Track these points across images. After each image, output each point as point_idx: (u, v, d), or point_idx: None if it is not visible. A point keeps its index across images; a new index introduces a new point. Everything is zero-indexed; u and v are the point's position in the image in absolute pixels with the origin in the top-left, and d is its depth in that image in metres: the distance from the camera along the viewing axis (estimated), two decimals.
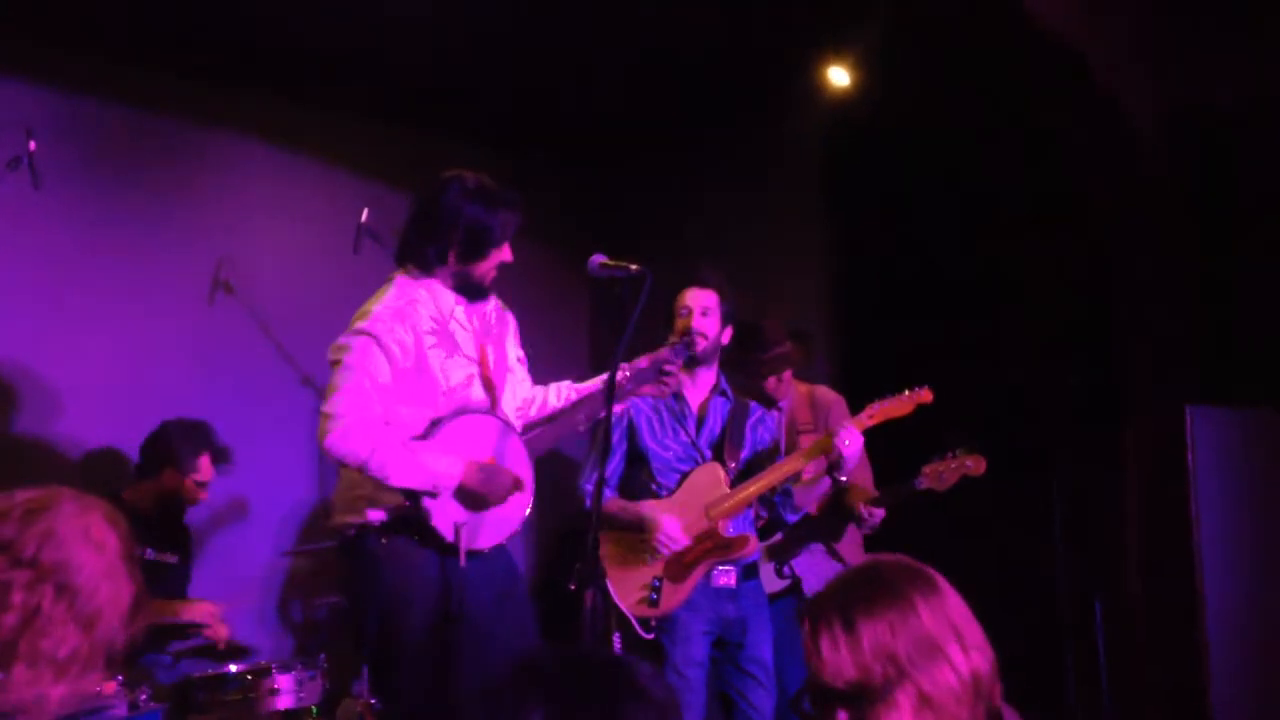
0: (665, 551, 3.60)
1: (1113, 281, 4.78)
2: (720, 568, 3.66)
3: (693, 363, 3.66)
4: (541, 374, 3.54)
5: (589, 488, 3.61)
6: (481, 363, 3.25)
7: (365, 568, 3.16)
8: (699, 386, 3.81)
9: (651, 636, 3.59)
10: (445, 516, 3.08)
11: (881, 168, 5.18)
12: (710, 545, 3.62)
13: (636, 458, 3.75)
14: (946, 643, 1.55)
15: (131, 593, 1.59)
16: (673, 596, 3.60)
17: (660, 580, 3.62)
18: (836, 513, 4.07)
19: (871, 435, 3.70)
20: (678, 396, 3.74)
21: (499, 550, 3.23)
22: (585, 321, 6.28)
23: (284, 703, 3.74)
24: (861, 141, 5.24)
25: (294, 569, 5.03)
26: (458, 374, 3.17)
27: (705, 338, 3.69)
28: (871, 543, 4.15)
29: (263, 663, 3.91)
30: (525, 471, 3.24)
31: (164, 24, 4.60)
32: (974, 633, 1.59)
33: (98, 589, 1.55)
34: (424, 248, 3.20)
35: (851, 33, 4.97)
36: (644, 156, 6.00)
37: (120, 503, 4.14)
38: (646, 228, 5.78)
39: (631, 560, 3.64)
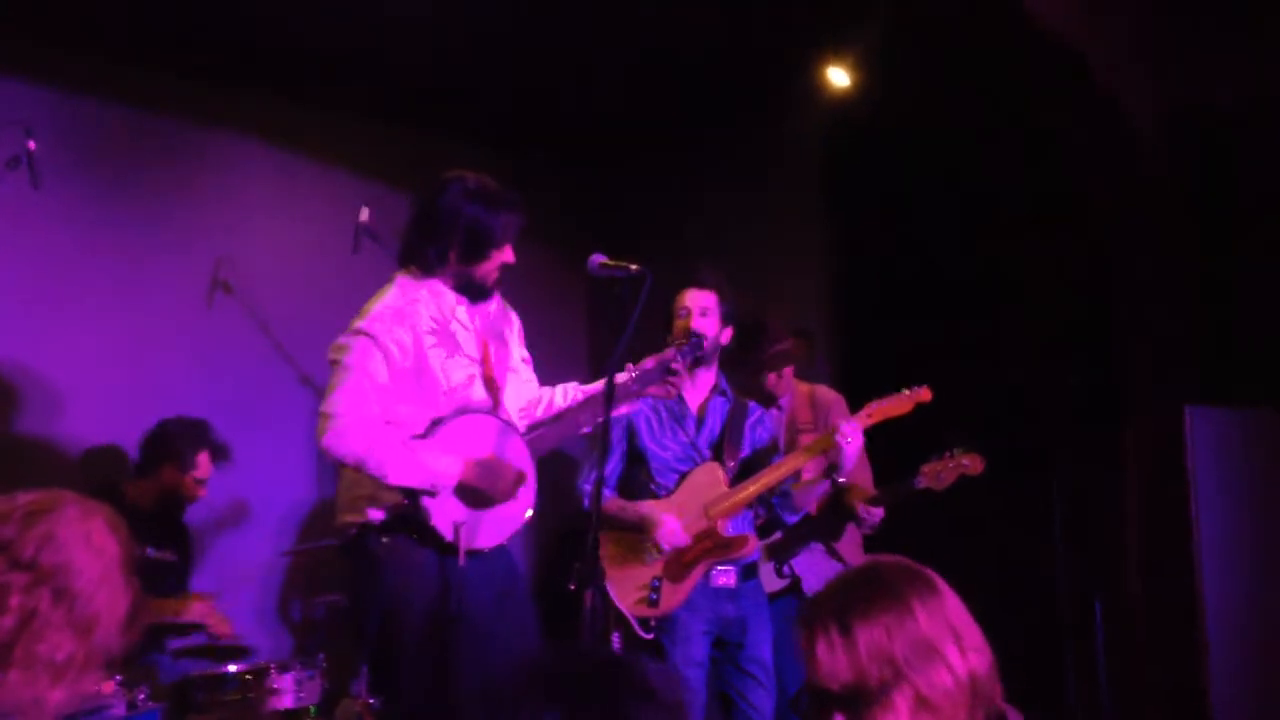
0: (666, 547, 3.60)
1: (1113, 281, 4.78)
2: (719, 568, 3.66)
3: (694, 363, 3.66)
4: (540, 374, 3.53)
5: (588, 488, 3.62)
6: (483, 362, 3.25)
7: (366, 567, 3.17)
8: (698, 387, 3.81)
9: (651, 636, 3.59)
10: (445, 515, 3.08)
11: (881, 168, 5.18)
12: (709, 545, 3.62)
13: (635, 458, 3.75)
14: (944, 645, 1.54)
15: (129, 600, 1.59)
16: (672, 596, 3.60)
17: (660, 580, 3.61)
18: (836, 512, 4.07)
19: (871, 435, 3.70)
20: (677, 397, 3.73)
21: (500, 550, 3.23)
22: (584, 321, 6.29)
23: (283, 702, 3.75)
24: (861, 141, 5.24)
25: (293, 568, 5.03)
26: (458, 374, 3.17)
27: (704, 338, 3.69)
28: (871, 542, 4.15)
29: (261, 662, 3.91)
30: (528, 471, 3.24)
31: (164, 24, 4.60)
32: (972, 634, 1.58)
33: (96, 594, 1.54)
34: (424, 248, 3.20)
35: (851, 33, 4.97)
36: (644, 156, 6.00)
37: (121, 497, 4.16)
38: (646, 228, 5.78)
39: (631, 560, 3.64)
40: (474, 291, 3.24)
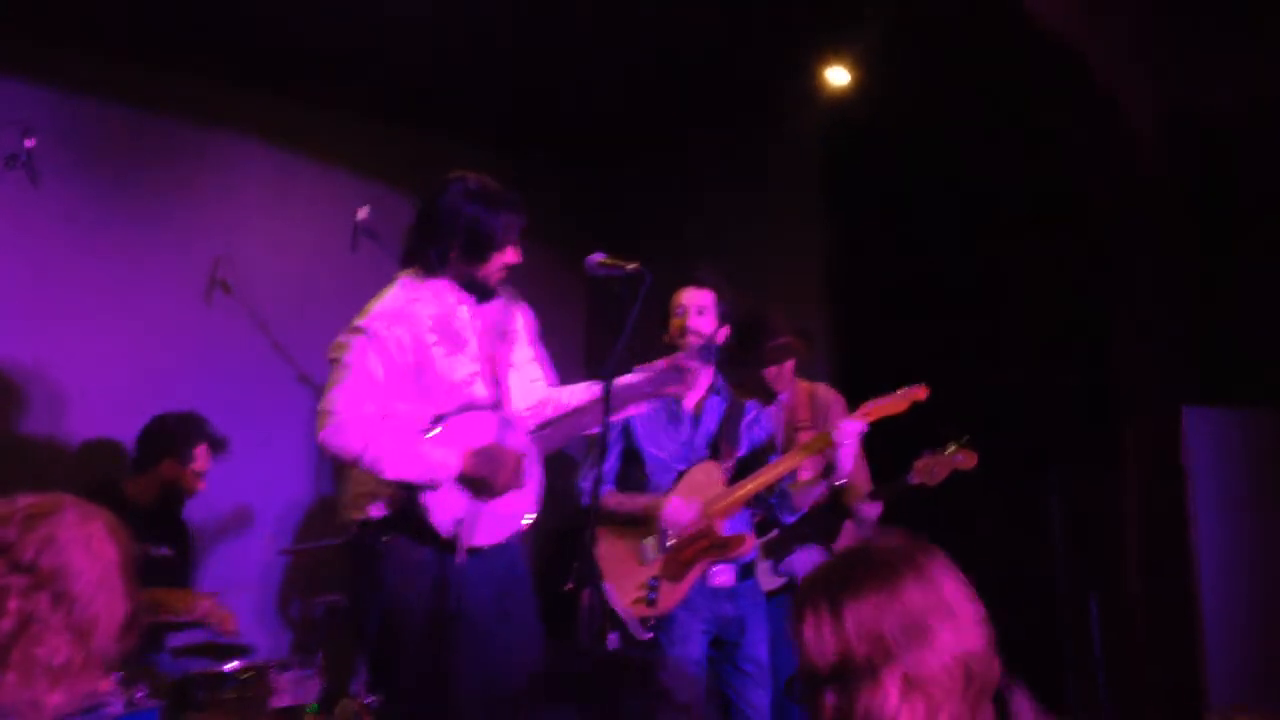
0: (679, 521, 3.58)
1: (1112, 281, 4.78)
2: (717, 567, 3.66)
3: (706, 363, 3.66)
4: None
5: (587, 486, 3.62)
6: (488, 361, 3.26)
7: (367, 565, 3.18)
8: (695, 386, 3.81)
9: (649, 636, 3.59)
10: (444, 511, 3.08)
11: (881, 168, 5.18)
12: (707, 544, 3.62)
13: (632, 457, 3.75)
14: (936, 623, 1.51)
15: (128, 605, 1.59)
16: (670, 596, 3.60)
17: (658, 580, 3.62)
18: (833, 511, 4.07)
19: (868, 434, 3.69)
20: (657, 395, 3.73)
21: (502, 549, 3.21)
22: (583, 321, 6.29)
23: (281, 701, 3.75)
24: (861, 141, 5.23)
25: (292, 567, 5.04)
26: (461, 371, 3.18)
27: (701, 337, 3.69)
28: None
29: (260, 661, 3.91)
30: (532, 470, 3.24)
31: (164, 24, 4.61)
32: (968, 612, 1.55)
33: (94, 598, 1.55)
34: (426, 249, 3.22)
35: (851, 33, 4.97)
36: (644, 156, 6.00)
37: (120, 495, 4.16)
38: (646, 228, 5.78)
39: (629, 560, 3.64)
40: (477, 291, 3.25)
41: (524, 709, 3.15)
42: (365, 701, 3.96)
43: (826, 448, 3.63)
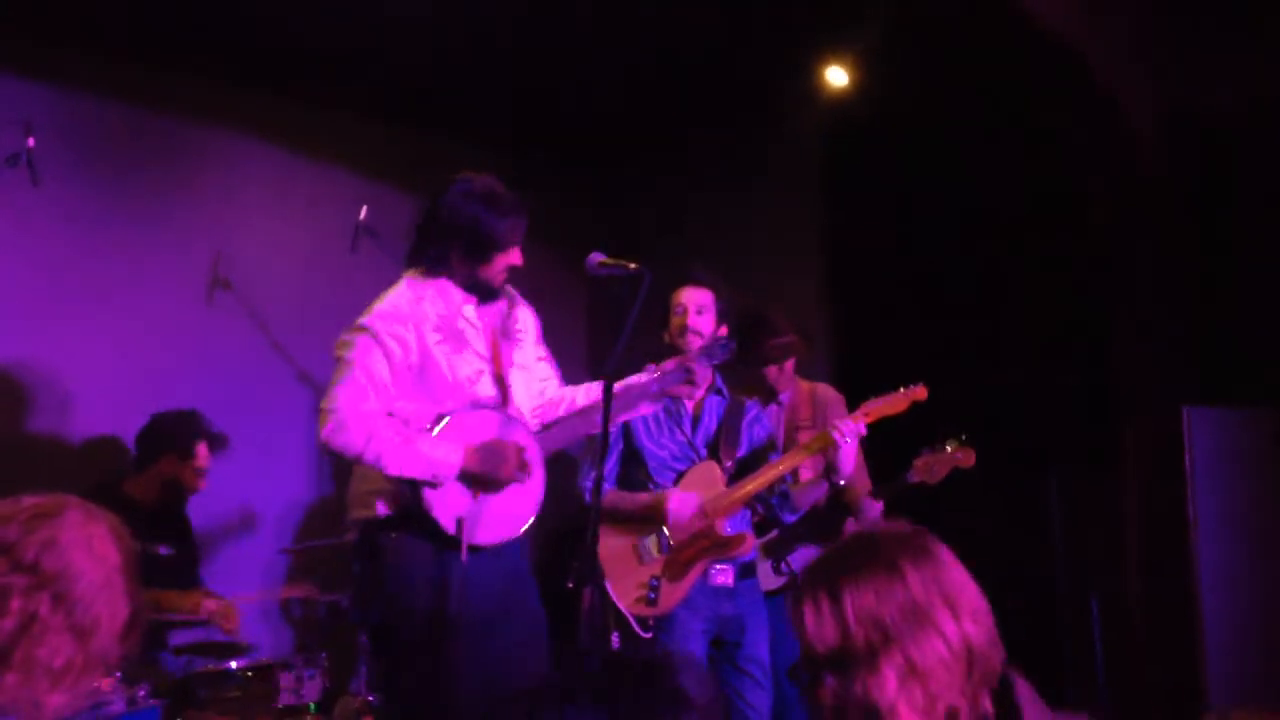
0: (683, 516, 3.58)
1: (1112, 281, 4.78)
2: (717, 566, 3.66)
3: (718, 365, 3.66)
4: None
5: (588, 485, 3.62)
6: (493, 360, 3.26)
7: (371, 563, 3.19)
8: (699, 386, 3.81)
9: (650, 635, 3.59)
10: (447, 509, 3.08)
11: (881, 168, 5.18)
12: (707, 544, 3.63)
13: (632, 457, 3.75)
14: (936, 610, 1.51)
15: (130, 607, 1.59)
16: (671, 595, 3.60)
17: (658, 579, 3.62)
18: (834, 510, 4.07)
19: (868, 434, 3.70)
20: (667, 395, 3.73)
21: (506, 548, 3.21)
22: (584, 321, 6.29)
23: (283, 700, 3.75)
24: (861, 141, 5.24)
25: (293, 566, 5.04)
26: (465, 369, 3.19)
27: (700, 336, 3.70)
28: None
29: (262, 660, 3.92)
30: (536, 469, 3.24)
31: (164, 23, 4.61)
32: (969, 600, 1.55)
33: (95, 600, 1.55)
34: (428, 249, 3.23)
35: (851, 33, 4.97)
36: (644, 156, 6.00)
37: (121, 494, 4.17)
38: (646, 228, 5.79)
39: (629, 559, 3.64)
40: (481, 291, 3.26)
41: (526, 710, 3.14)
42: (366, 700, 3.97)
43: (826, 448, 3.63)
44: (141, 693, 3.30)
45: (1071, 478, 4.60)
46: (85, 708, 2.98)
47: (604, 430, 2.97)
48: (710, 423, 3.81)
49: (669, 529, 3.62)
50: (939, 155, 4.95)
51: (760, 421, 3.89)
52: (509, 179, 3.29)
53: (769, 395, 4.23)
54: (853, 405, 3.86)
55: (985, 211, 4.92)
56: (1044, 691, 1.65)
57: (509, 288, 3.38)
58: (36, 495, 1.60)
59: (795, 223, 5.66)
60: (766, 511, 3.85)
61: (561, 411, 3.44)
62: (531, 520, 3.25)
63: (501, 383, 3.27)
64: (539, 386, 3.44)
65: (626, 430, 3.75)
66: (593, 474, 3.03)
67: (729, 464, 3.73)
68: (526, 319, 3.44)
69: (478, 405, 3.19)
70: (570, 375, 3.59)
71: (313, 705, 3.81)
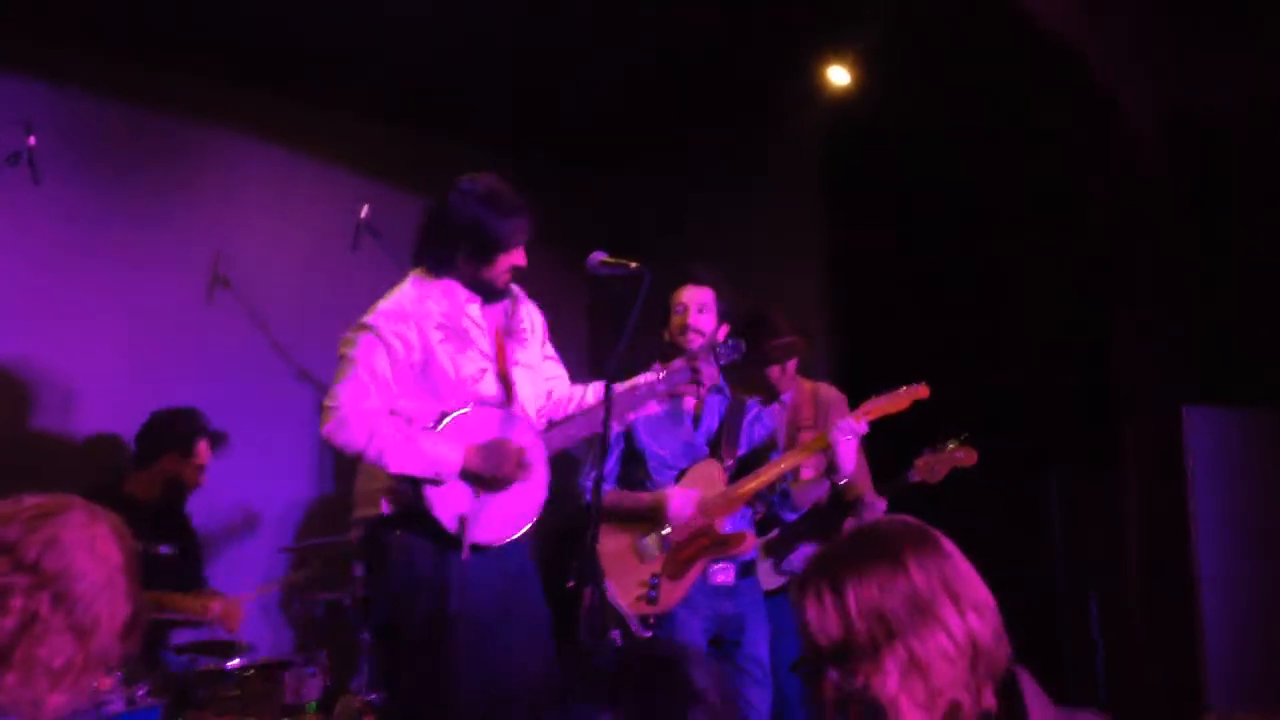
0: (684, 516, 3.58)
1: (1112, 281, 4.78)
2: (717, 565, 3.66)
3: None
4: None
5: (589, 485, 3.62)
6: (497, 359, 3.27)
7: (377, 560, 3.22)
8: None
9: (650, 634, 3.59)
10: (448, 507, 3.09)
11: (881, 168, 5.18)
12: (707, 542, 3.63)
13: (633, 456, 3.75)
14: (940, 604, 1.50)
15: (129, 609, 1.59)
16: (671, 594, 3.60)
17: (658, 578, 3.62)
18: (834, 509, 4.07)
19: (869, 434, 3.69)
20: (674, 394, 3.74)
21: (509, 548, 3.22)
22: (584, 321, 6.29)
23: (283, 699, 3.75)
24: (861, 141, 5.24)
25: (293, 565, 5.04)
26: (468, 368, 3.20)
27: (701, 334, 3.70)
28: None
29: (263, 659, 3.91)
30: (539, 468, 3.24)
31: (164, 23, 4.61)
32: (973, 595, 1.54)
33: (96, 600, 1.55)
34: (432, 250, 3.25)
35: (851, 33, 4.97)
36: (644, 156, 6.00)
37: (122, 493, 4.17)
38: (646, 228, 5.78)
39: (629, 558, 3.64)
40: (485, 291, 3.27)
41: (528, 710, 3.15)
42: (366, 699, 3.97)
43: (826, 447, 3.63)
44: (141, 692, 3.30)
45: (1071, 478, 4.61)
46: (85, 707, 2.98)
47: (604, 430, 2.97)
48: (711, 422, 3.81)
49: (670, 528, 3.62)
50: (939, 155, 4.95)
51: (761, 420, 3.88)
52: (509, 179, 3.29)
53: (771, 395, 4.23)
54: (853, 405, 3.86)
55: (985, 211, 4.93)
56: (1043, 690, 1.64)
57: (514, 287, 3.39)
58: (39, 495, 1.60)
59: (795, 223, 5.67)
60: (767, 510, 3.85)
61: (571, 409, 3.45)
62: (534, 519, 3.25)
63: (506, 381, 3.27)
64: (546, 386, 3.45)
65: (628, 429, 3.75)
66: (593, 473, 3.04)
67: (729, 463, 3.73)
68: (533, 318, 3.45)
69: (481, 404, 3.19)
70: (572, 375, 3.59)
71: (313, 704, 3.81)
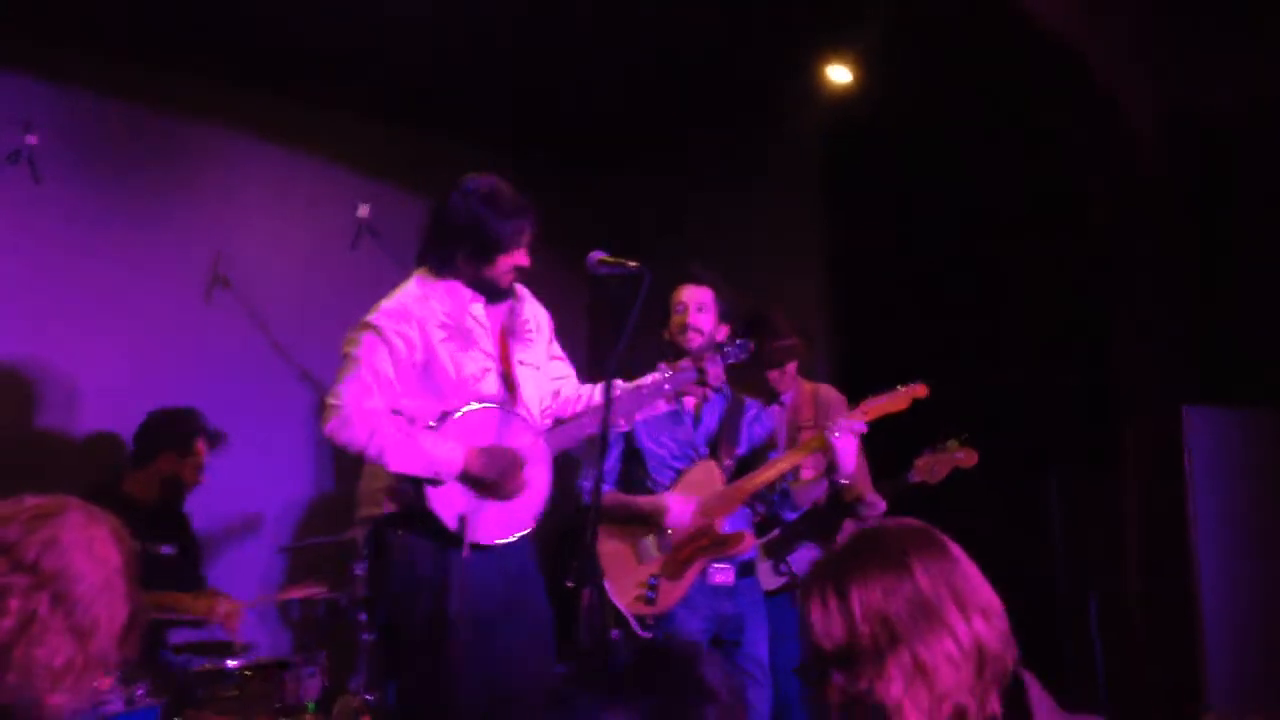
0: (681, 524, 3.58)
1: (1112, 281, 4.78)
2: (717, 565, 3.65)
3: (682, 356, 3.66)
4: None
5: (587, 485, 3.62)
6: (500, 359, 3.27)
7: (379, 560, 3.22)
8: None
9: (649, 635, 3.59)
10: (448, 506, 3.09)
11: (881, 168, 5.18)
12: (706, 542, 3.62)
13: (633, 455, 3.75)
14: (945, 608, 1.49)
15: (128, 610, 1.59)
16: (670, 594, 3.60)
17: (657, 578, 3.61)
18: (834, 509, 4.07)
19: (869, 433, 3.69)
20: (681, 394, 3.73)
21: (511, 547, 3.21)
22: (584, 321, 6.29)
23: (282, 699, 3.75)
24: (861, 141, 5.24)
25: (292, 565, 5.04)
26: (471, 367, 3.20)
27: (700, 334, 3.70)
28: None
29: (261, 659, 3.91)
30: (541, 467, 3.24)
31: (164, 22, 4.62)
32: (979, 599, 1.52)
33: (95, 601, 1.55)
34: (435, 249, 3.26)
35: (851, 33, 4.97)
36: (644, 156, 6.00)
37: (120, 493, 4.16)
38: (646, 228, 5.78)
39: (628, 558, 3.64)
40: (488, 291, 3.27)
41: (528, 710, 3.15)
42: (365, 699, 3.96)
43: (824, 446, 3.63)
44: (140, 692, 3.30)
45: (1071, 478, 4.61)
46: (85, 708, 2.98)
47: (603, 430, 2.97)
48: (710, 421, 3.80)
49: (670, 532, 3.62)
50: (939, 155, 4.95)
51: (760, 420, 3.88)
52: (509, 179, 3.29)
53: (770, 397, 4.23)
54: (853, 405, 3.86)
55: (985, 211, 4.93)
56: (1049, 695, 1.63)
57: (520, 287, 3.39)
58: (38, 496, 1.60)
59: (795, 223, 5.66)
60: (767, 510, 3.84)
61: (579, 408, 3.45)
62: (536, 519, 3.26)
63: (509, 381, 3.27)
64: (552, 385, 3.45)
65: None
66: (592, 473, 3.04)
67: (728, 462, 3.73)
68: (539, 319, 3.46)
69: (483, 403, 3.20)
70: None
71: (311, 705, 3.81)
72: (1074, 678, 4.45)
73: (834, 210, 5.55)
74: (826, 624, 1.52)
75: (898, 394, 3.68)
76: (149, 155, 4.97)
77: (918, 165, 5.02)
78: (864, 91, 5.08)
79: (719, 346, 3.48)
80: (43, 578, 1.52)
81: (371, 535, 3.27)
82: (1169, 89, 4.71)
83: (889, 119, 5.04)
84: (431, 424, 3.14)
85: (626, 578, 3.62)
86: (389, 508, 3.19)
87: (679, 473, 3.72)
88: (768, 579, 3.97)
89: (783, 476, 3.72)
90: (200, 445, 4.36)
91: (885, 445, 3.94)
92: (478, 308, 3.26)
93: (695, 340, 3.67)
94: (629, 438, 3.74)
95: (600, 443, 2.99)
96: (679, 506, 3.60)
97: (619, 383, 3.40)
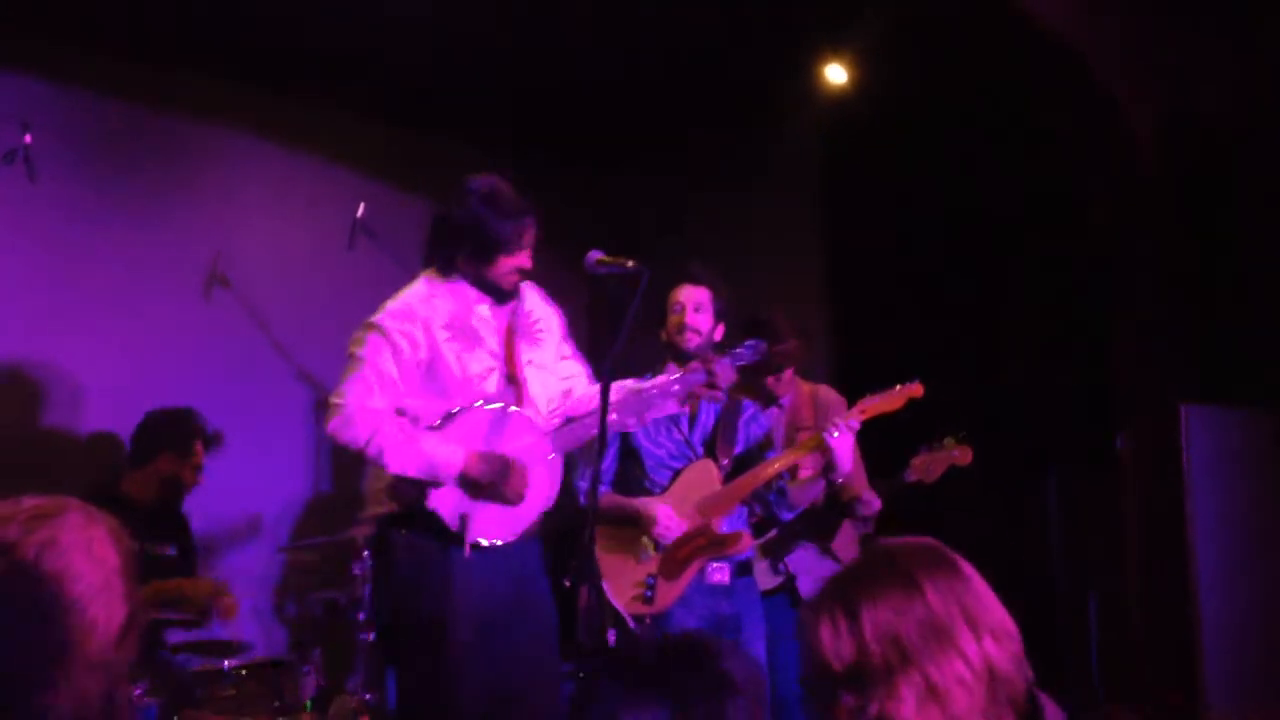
0: (668, 537, 3.59)
1: (1112, 281, 4.78)
2: (714, 564, 3.65)
3: (685, 359, 3.66)
4: None
5: (584, 485, 3.61)
6: (506, 359, 3.27)
7: (383, 559, 3.26)
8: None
9: (647, 636, 3.58)
10: (451, 505, 3.09)
11: (881, 168, 5.18)
12: (704, 542, 3.62)
13: (630, 455, 3.74)
14: (956, 629, 1.46)
15: (126, 611, 1.59)
16: (667, 593, 3.60)
17: (654, 577, 3.61)
18: (831, 509, 4.07)
19: (866, 433, 3.69)
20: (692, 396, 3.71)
21: (515, 548, 3.20)
22: (584, 320, 6.28)
23: (279, 699, 3.75)
24: (861, 141, 5.24)
25: (290, 565, 5.04)
26: (475, 366, 3.20)
27: (698, 334, 3.69)
28: (867, 541, 4.15)
29: (258, 658, 3.91)
30: (546, 467, 3.24)
31: (163, 22, 4.62)
32: (991, 620, 1.49)
33: (93, 602, 1.55)
34: (437, 250, 3.26)
35: (851, 33, 4.97)
36: (644, 156, 6.00)
37: (118, 493, 4.16)
38: (646, 228, 5.78)
39: (626, 558, 3.63)
40: (493, 291, 3.27)
41: (530, 711, 3.15)
42: (363, 699, 3.96)
43: (820, 446, 3.62)
44: (137, 692, 3.30)
45: (1071, 478, 4.61)
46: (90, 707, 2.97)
47: (601, 430, 2.97)
48: (707, 421, 3.80)
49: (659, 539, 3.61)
50: (939, 155, 4.95)
51: (757, 420, 3.87)
52: (510, 180, 3.29)
53: (769, 400, 4.22)
54: (852, 405, 3.86)
55: (985, 211, 4.93)
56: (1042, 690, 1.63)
57: (532, 287, 3.39)
58: (36, 496, 1.60)
59: (795, 223, 5.66)
60: (764, 510, 3.84)
61: (591, 407, 3.43)
62: (538, 517, 3.25)
63: (515, 381, 3.27)
64: (562, 385, 3.44)
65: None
66: (589, 473, 3.03)
67: (725, 462, 3.72)
68: (548, 319, 3.45)
69: (488, 403, 3.20)
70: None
71: (308, 704, 3.80)
72: (1074, 677, 4.45)
73: (834, 210, 5.55)
74: (836, 644, 1.49)
75: (894, 393, 3.68)
76: (149, 155, 4.97)
77: (918, 165, 5.02)
78: (864, 91, 5.08)
79: (727, 348, 3.46)
80: None
81: (377, 534, 3.28)
82: (1169, 89, 4.71)
83: (889, 119, 5.04)
84: (435, 424, 3.15)
85: (624, 577, 3.61)
86: (391, 506, 3.20)
87: (676, 472, 3.71)
88: (765, 578, 3.97)
89: (779, 475, 3.72)
90: (199, 446, 4.35)
91: (883, 445, 3.95)
92: (484, 308, 3.27)
93: (693, 340, 3.67)
94: (626, 437, 3.73)
95: (599, 442, 2.99)
96: (667, 519, 3.59)
97: (631, 382, 3.41)
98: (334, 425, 3.10)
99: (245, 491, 4.95)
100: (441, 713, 3.05)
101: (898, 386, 3.68)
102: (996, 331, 4.87)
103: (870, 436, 3.73)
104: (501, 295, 3.28)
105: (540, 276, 3.41)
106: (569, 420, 3.38)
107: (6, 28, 4.48)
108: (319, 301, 5.10)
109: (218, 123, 5.17)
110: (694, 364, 3.41)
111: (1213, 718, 4.05)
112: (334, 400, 3.12)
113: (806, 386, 4.34)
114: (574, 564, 2.86)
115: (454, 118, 5.58)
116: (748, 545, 3.70)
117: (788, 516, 3.85)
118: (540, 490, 3.23)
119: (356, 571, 4.12)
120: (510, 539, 3.18)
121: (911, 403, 3.68)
